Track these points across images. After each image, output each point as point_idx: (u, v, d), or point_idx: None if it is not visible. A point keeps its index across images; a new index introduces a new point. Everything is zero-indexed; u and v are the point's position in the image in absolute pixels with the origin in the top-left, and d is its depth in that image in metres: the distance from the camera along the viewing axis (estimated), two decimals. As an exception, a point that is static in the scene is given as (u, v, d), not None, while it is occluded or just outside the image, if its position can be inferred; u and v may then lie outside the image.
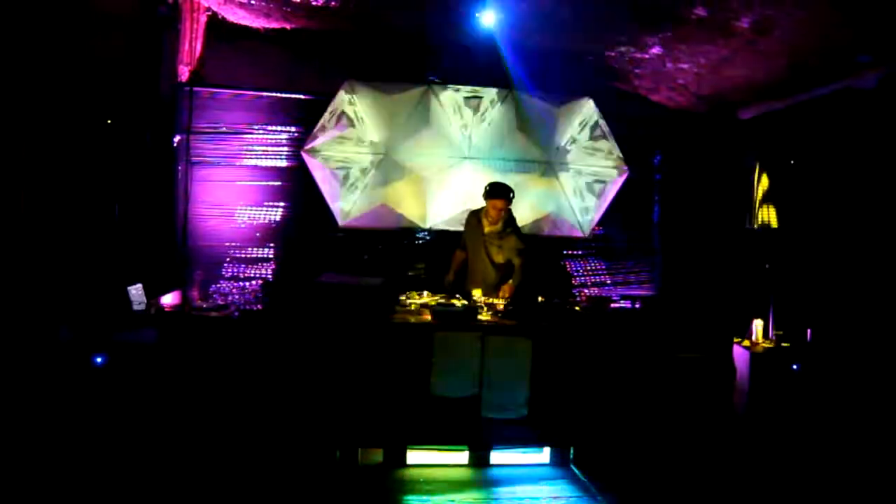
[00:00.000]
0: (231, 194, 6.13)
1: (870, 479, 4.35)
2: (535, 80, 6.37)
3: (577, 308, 5.09)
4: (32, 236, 4.34)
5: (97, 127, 4.83)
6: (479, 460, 4.55)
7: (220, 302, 5.89)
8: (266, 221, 6.21)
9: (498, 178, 5.67)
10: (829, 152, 5.64)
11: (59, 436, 4.03)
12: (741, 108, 6.75)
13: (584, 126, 6.50)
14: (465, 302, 4.92)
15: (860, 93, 5.34)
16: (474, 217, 5.44)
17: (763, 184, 6.29)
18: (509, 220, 5.34)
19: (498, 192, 5.21)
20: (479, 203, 5.41)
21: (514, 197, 5.28)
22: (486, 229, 5.29)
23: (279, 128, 6.19)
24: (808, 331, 5.05)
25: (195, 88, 5.96)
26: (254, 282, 6.15)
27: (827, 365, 4.91)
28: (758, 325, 5.09)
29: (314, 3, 5.61)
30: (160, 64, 5.82)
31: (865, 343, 4.99)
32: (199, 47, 6.02)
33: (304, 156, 6.08)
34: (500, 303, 4.90)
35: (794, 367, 4.83)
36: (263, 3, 5.73)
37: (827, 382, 4.80)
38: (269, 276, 6.18)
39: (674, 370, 4.73)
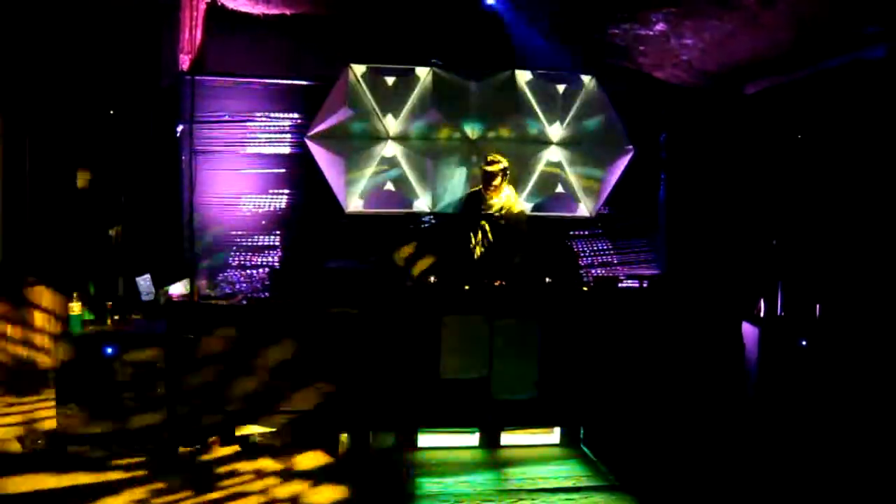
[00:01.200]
0: (236, 182, 6.13)
1: (876, 453, 4.36)
2: (539, 59, 6.32)
3: (584, 288, 5.09)
4: (39, 228, 4.36)
5: (100, 118, 4.83)
6: (490, 442, 4.57)
7: (227, 290, 5.91)
8: (271, 209, 6.21)
9: (498, 156, 5.64)
10: (838, 126, 5.58)
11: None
12: (747, 83, 6.67)
13: (589, 105, 6.45)
14: (471, 284, 4.91)
15: (869, 64, 5.26)
16: (474, 196, 5.42)
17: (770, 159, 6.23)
18: (509, 197, 5.32)
19: (496, 168, 5.19)
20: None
21: (508, 166, 5.24)
22: (487, 204, 5.27)
23: (282, 115, 6.17)
24: (817, 307, 5.03)
25: (197, 77, 5.94)
26: (261, 269, 6.17)
27: (835, 340, 4.89)
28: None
29: (314, -12, 5.58)
30: (161, 53, 5.80)
31: (874, 318, 4.97)
32: (199, 35, 5.99)
33: (308, 142, 6.07)
34: (506, 284, 4.89)
35: (802, 342, 4.81)
36: (263, -11, 5.71)
37: (835, 358, 4.78)
38: (276, 264, 6.20)
39: (682, 348, 4.72)
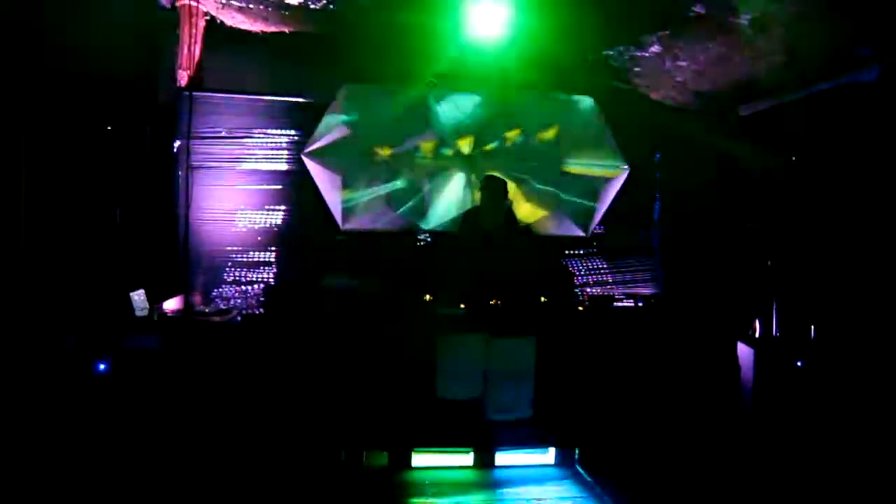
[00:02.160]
0: (232, 198, 6.12)
1: (874, 474, 4.34)
2: (534, 78, 6.37)
3: (580, 308, 5.09)
4: (34, 243, 4.33)
5: (97, 133, 4.83)
6: (485, 462, 4.55)
7: (222, 306, 5.89)
8: (267, 225, 6.20)
9: (496, 174, 5.66)
10: (832, 147, 5.62)
11: (64, 442, 4.02)
12: (741, 104, 6.73)
13: (585, 125, 6.49)
14: (467, 303, 4.91)
15: (862, 87, 5.32)
16: (471, 215, 5.44)
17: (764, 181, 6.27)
18: (507, 215, 5.34)
19: (494, 186, 5.22)
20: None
21: (506, 190, 5.28)
22: (485, 226, 5.28)
23: (279, 131, 6.19)
24: (812, 327, 5.04)
25: (195, 93, 5.95)
26: (256, 286, 6.14)
27: (831, 361, 4.89)
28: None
29: (312, 7, 5.61)
30: (159, 69, 5.82)
31: (869, 339, 4.98)
32: (197, 52, 6.01)
33: (305, 159, 6.08)
34: (502, 304, 4.89)
35: (798, 363, 4.81)
36: (261, 7, 5.73)
37: (831, 378, 4.78)
38: (271, 280, 6.18)
39: (678, 369, 4.72)
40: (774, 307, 5.38)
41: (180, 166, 5.98)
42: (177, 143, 5.94)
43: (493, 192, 5.22)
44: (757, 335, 5.10)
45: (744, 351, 4.97)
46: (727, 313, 5.49)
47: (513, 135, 6.36)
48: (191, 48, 5.98)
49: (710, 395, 4.76)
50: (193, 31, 5.96)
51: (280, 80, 6.31)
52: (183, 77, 5.94)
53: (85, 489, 3.80)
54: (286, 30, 6.15)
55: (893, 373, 4.69)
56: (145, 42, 5.53)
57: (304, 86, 6.30)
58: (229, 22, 6.07)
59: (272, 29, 6.14)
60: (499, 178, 5.36)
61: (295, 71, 6.34)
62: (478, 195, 5.50)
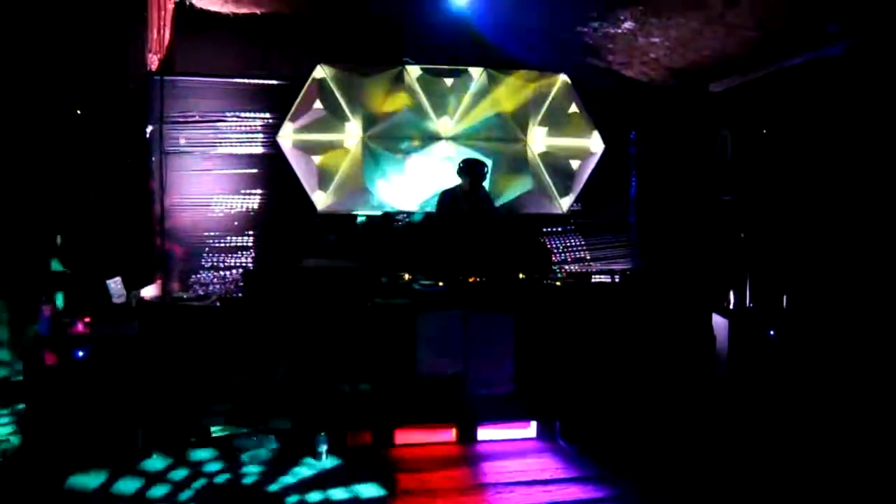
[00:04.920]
0: (207, 183, 6.07)
1: (843, 440, 4.48)
2: (509, 57, 6.38)
3: (557, 283, 5.15)
4: (4, 230, 4.28)
5: (67, 118, 4.75)
6: (467, 437, 4.59)
7: (200, 292, 5.86)
8: (244, 210, 6.16)
9: (475, 156, 5.69)
10: (801, 121, 5.72)
11: (49, 429, 4.00)
12: (713, 81, 6.81)
13: (560, 102, 6.53)
14: (446, 281, 4.94)
15: (829, 61, 5.41)
16: (449, 194, 5.46)
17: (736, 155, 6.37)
18: (484, 195, 5.38)
19: (473, 168, 5.24)
20: (457, 182, 5.43)
21: (487, 171, 5.33)
22: (463, 206, 5.31)
23: (253, 114, 6.13)
24: (784, 298, 5.16)
25: (166, 77, 5.87)
26: (234, 270, 6.12)
27: (802, 330, 5.02)
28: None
29: (283, -13, 5.55)
30: (129, 53, 5.73)
31: (840, 308, 5.11)
32: (167, 35, 5.92)
33: (280, 142, 6.04)
34: (480, 280, 4.93)
35: (771, 333, 4.93)
36: (231, -12, 5.67)
37: (802, 347, 4.91)
38: (250, 265, 6.15)
39: (655, 341, 4.80)
40: (748, 279, 5.49)
41: (154, 151, 5.91)
42: (149, 128, 5.87)
43: (472, 174, 5.24)
44: (731, 306, 5.20)
45: (718, 321, 5.08)
46: (702, 285, 5.59)
47: (488, 113, 6.36)
48: (160, 31, 5.89)
49: (686, 366, 4.86)
50: (162, 13, 5.87)
51: (252, 62, 6.25)
52: (153, 61, 5.86)
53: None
54: (257, 11, 6.08)
55: (862, 341, 4.83)
56: (114, 26, 5.43)
57: (277, 67, 6.25)
58: (199, 4, 5.98)
59: (243, 10, 6.07)
60: (478, 160, 5.38)
61: (267, 53, 6.29)
62: (455, 175, 5.52)
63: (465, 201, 5.32)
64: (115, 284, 4.68)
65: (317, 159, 6.12)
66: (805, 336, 4.98)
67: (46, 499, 3.57)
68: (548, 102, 6.52)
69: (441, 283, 4.91)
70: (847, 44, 5.28)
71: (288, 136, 6.04)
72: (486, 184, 5.67)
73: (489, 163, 5.56)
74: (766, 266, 5.71)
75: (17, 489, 3.67)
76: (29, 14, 4.30)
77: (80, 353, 4.09)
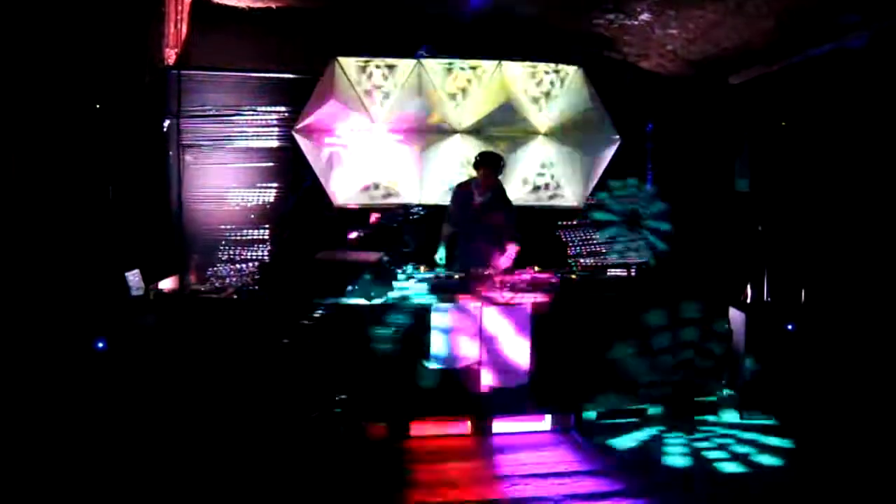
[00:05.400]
0: (224, 177, 6.12)
1: (862, 431, 4.44)
2: (525, 50, 6.34)
3: (573, 276, 5.13)
4: (27, 223, 4.33)
5: (86, 112, 4.80)
6: (482, 430, 4.61)
7: (217, 285, 5.91)
8: (260, 203, 6.20)
9: (490, 149, 5.67)
10: (822, 113, 5.65)
11: (63, 421, 4.06)
12: (731, 72, 6.73)
13: (576, 95, 6.48)
14: (461, 274, 4.94)
15: (851, 53, 5.33)
16: (463, 188, 5.44)
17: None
18: (499, 189, 5.36)
19: (488, 161, 5.21)
20: (472, 174, 5.42)
21: (504, 165, 5.30)
22: (478, 199, 5.29)
23: (269, 108, 6.16)
24: (802, 292, 5.11)
25: (183, 71, 5.91)
26: (250, 263, 6.16)
27: (821, 324, 4.97)
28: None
29: (299, -20, 5.56)
30: (146, 48, 5.76)
31: (858, 302, 5.05)
32: (184, 30, 5.97)
33: (296, 135, 6.06)
34: (495, 274, 4.92)
35: (789, 326, 4.88)
36: (248, -18, 5.68)
37: (821, 341, 4.86)
38: (266, 258, 6.19)
39: (672, 334, 4.78)
40: (765, 272, 5.44)
41: (171, 145, 5.96)
42: (166, 123, 5.92)
43: (489, 167, 5.21)
44: (748, 300, 5.15)
45: (736, 315, 5.04)
46: (719, 279, 5.54)
47: (503, 106, 6.34)
48: (177, 26, 5.93)
49: (701, 360, 4.83)
50: (179, 8, 5.91)
51: (269, 56, 6.27)
52: (170, 55, 5.90)
53: (83, 469, 3.85)
54: (273, 5, 6.10)
55: (882, 334, 4.77)
56: (132, 21, 5.47)
57: (293, 61, 6.26)
58: (216, -1, 6.01)
59: (259, 5, 6.09)
60: (494, 153, 5.35)
61: (283, 47, 6.30)
62: (471, 167, 5.50)
63: (480, 194, 5.30)
64: (134, 277, 4.73)
65: (332, 153, 6.14)
66: (824, 330, 4.93)
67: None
68: (563, 95, 6.48)
69: (456, 276, 4.91)
70: (869, 35, 5.20)
71: (304, 129, 6.06)
72: (501, 177, 5.64)
73: (505, 157, 5.53)
74: (784, 259, 5.65)
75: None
76: (47, 10, 4.33)
77: (100, 345, 4.14)
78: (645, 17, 5.87)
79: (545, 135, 6.45)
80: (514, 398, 4.60)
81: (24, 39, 4.23)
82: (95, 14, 4.83)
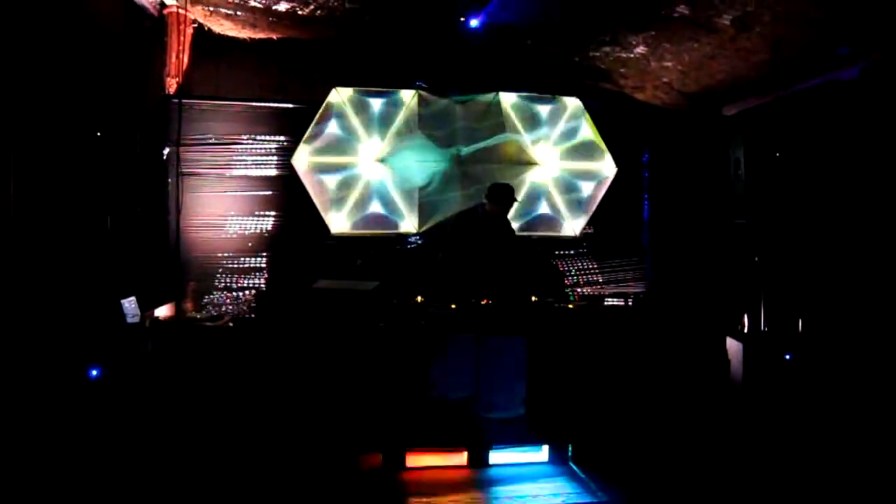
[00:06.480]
0: (222, 205, 6.13)
1: (862, 464, 4.40)
2: (522, 81, 6.43)
3: (570, 306, 5.12)
4: (23, 249, 4.33)
5: (87, 139, 4.83)
6: (478, 461, 4.56)
7: (213, 313, 5.89)
8: (258, 231, 6.21)
9: (487, 180, 5.71)
10: (815, 144, 5.70)
11: (57, 449, 4.01)
12: (726, 104, 6.82)
13: (573, 126, 6.56)
14: (458, 304, 4.93)
15: (843, 84, 5.41)
16: (468, 217, 5.45)
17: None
18: (504, 220, 5.38)
19: (503, 194, 5.23)
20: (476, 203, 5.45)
21: (516, 201, 5.32)
22: (485, 229, 5.30)
23: (268, 137, 6.20)
24: (800, 321, 5.10)
25: (183, 100, 5.97)
26: (247, 291, 6.15)
27: (819, 354, 4.95)
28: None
29: (300, 13, 5.65)
30: (148, 77, 5.83)
31: (856, 331, 5.04)
32: (186, 59, 6.04)
33: (294, 164, 6.10)
34: (493, 303, 4.92)
35: (787, 356, 4.87)
36: (249, 14, 5.77)
37: (820, 370, 4.84)
38: (263, 286, 6.18)
39: (668, 364, 4.76)
40: (762, 302, 5.44)
41: (170, 173, 5.99)
42: (166, 150, 5.96)
43: (501, 200, 5.21)
44: (745, 330, 5.15)
45: (733, 345, 5.02)
46: (716, 309, 5.54)
47: (500, 136, 6.40)
48: (179, 56, 6.01)
49: (701, 391, 4.80)
50: (181, 38, 5.99)
51: (268, 86, 6.34)
52: (171, 84, 5.96)
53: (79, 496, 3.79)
54: (274, 36, 6.19)
55: (880, 364, 4.75)
56: (134, 50, 5.54)
57: (293, 91, 6.33)
58: (217, 29, 6.10)
59: (260, 35, 6.18)
60: (509, 186, 5.36)
61: (283, 77, 6.38)
62: (466, 196, 5.52)
63: (486, 224, 5.29)
64: (130, 304, 4.72)
65: (330, 182, 6.18)
66: (821, 359, 4.92)
67: None
68: (560, 126, 6.55)
69: (453, 306, 4.90)
70: (862, 67, 5.28)
71: (303, 158, 6.10)
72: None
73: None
74: (781, 289, 5.66)
75: None
76: (50, 38, 4.39)
77: (95, 373, 4.11)
78: (641, 49, 5.97)
79: (542, 165, 6.50)
80: (511, 429, 4.56)
81: (25, 68, 4.28)
82: (98, 43, 4.90)
